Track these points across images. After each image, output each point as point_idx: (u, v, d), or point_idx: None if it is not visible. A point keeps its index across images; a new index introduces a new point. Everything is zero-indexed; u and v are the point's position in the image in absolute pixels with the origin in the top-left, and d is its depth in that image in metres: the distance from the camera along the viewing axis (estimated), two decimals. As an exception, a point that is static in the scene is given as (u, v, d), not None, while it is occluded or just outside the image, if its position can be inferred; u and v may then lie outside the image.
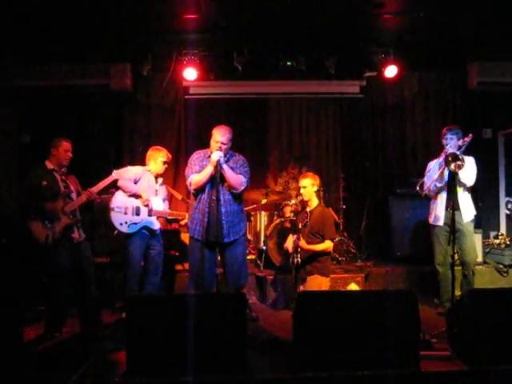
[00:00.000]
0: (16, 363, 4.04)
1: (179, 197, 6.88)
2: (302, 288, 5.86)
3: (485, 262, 7.16)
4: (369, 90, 8.79)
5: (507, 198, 8.02)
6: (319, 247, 5.85)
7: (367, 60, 8.06)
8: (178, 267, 7.02)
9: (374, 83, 8.68)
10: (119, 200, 5.96)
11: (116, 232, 6.06)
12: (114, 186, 5.95)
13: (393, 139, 8.87)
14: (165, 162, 6.18)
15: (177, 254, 7.23)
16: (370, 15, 6.73)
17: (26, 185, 5.31)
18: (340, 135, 8.75)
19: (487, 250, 7.34)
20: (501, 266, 7.04)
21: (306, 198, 6.04)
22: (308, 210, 6.05)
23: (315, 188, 6.05)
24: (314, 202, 6.09)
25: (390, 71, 7.92)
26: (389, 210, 7.94)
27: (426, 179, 6.02)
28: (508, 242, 7.29)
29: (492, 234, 7.69)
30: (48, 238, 5.12)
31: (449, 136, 5.86)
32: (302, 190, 6.02)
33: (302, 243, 5.75)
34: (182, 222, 6.18)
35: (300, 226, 5.90)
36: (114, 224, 5.92)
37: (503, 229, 8.10)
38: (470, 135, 5.67)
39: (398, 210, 7.85)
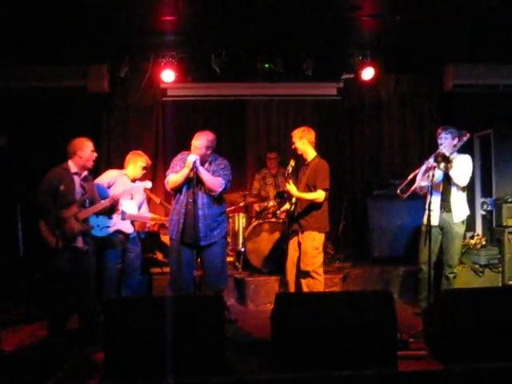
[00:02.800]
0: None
1: (157, 200, 6.87)
2: (294, 240, 5.85)
3: (461, 262, 7.21)
4: (346, 92, 8.82)
5: (482, 199, 8.10)
6: (309, 196, 5.69)
7: (344, 62, 8.10)
8: (157, 270, 6.99)
9: (351, 85, 8.72)
10: None
11: None
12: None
13: (370, 141, 8.91)
14: (144, 168, 6.17)
15: (155, 256, 7.21)
16: (347, 18, 6.76)
17: (44, 186, 5.13)
18: (317, 137, 8.76)
19: (463, 250, 7.39)
20: (477, 266, 7.11)
21: (298, 153, 5.91)
22: (306, 163, 5.93)
23: (304, 141, 5.85)
24: (310, 155, 5.89)
25: (367, 73, 7.95)
26: (366, 211, 7.99)
27: (418, 176, 6.01)
28: (484, 243, 7.36)
29: (468, 234, 7.76)
30: (58, 243, 4.96)
31: (443, 135, 5.87)
32: (293, 146, 5.89)
33: (291, 188, 5.66)
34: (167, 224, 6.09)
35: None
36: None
37: (479, 229, 8.18)
38: (468, 135, 5.70)
39: (376, 212, 7.90)
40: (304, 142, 5.85)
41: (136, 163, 6.11)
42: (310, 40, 7.46)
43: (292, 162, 5.81)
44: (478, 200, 8.26)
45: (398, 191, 6.02)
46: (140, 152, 6.27)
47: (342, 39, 7.57)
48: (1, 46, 6.93)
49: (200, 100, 8.64)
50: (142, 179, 6.21)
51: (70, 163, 5.26)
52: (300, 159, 6.02)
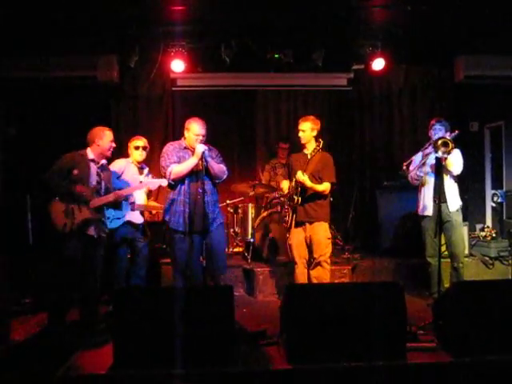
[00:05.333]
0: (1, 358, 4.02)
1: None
2: (299, 232, 5.81)
3: (471, 255, 7.21)
4: (356, 83, 8.79)
5: (493, 191, 8.07)
6: (320, 187, 5.68)
7: (355, 53, 8.06)
8: (165, 260, 7.00)
9: (361, 76, 8.68)
10: None
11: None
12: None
13: (380, 132, 8.90)
14: (137, 147, 6.07)
15: (163, 246, 7.21)
16: (358, 8, 6.73)
17: (55, 167, 5.08)
18: (327, 128, 8.74)
19: (473, 242, 7.38)
20: (487, 259, 7.09)
21: (303, 141, 5.85)
22: (306, 152, 5.87)
23: (314, 133, 5.82)
24: (312, 146, 5.80)
25: (378, 64, 7.93)
26: (376, 202, 7.97)
27: (411, 167, 6.03)
28: (494, 235, 7.34)
29: (478, 226, 7.74)
30: (66, 226, 4.93)
31: (437, 127, 5.89)
32: (300, 134, 5.83)
33: (305, 179, 5.58)
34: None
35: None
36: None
37: (489, 221, 8.16)
38: (457, 132, 5.68)
39: (385, 203, 7.88)
40: (314, 133, 5.83)
41: (130, 148, 6.09)
42: (321, 30, 7.42)
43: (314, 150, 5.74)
44: (489, 192, 8.24)
45: (404, 167, 6.03)
46: (135, 136, 6.23)
47: (353, 30, 7.54)
48: (11, 36, 6.94)
49: (209, 90, 8.62)
50: (145, 162, 6.23)
51: (88, 150, 5.27)
52: (295, 148, 5.98)
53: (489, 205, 8.21)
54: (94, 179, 5.21)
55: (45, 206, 5.04)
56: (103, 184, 5.29)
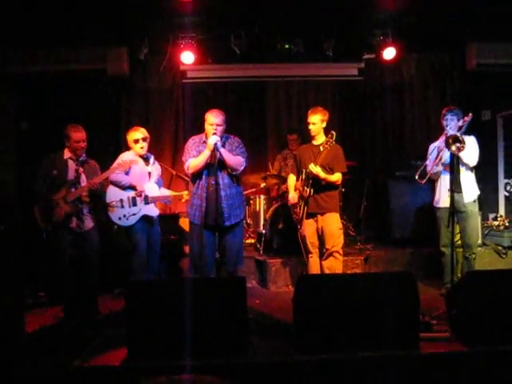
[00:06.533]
0: (17, 350, 4.05)
1: (173, 172, 6.87)
2: (310, 224, 5.82)
3: (484, 244, 7.16)
4: (367, 73, 8.73)
5: (506, 180, 8.02)
6: (333, 177, 5.69)
7: (365, 42, 8.04)
8: (178, 252, 7.02)
9: (372, 65, 8.64)
10: (112, 194, 5.80)
11: (116, 227, 6.01)
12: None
13: (391, 121, 8.86)
14: (136, 141, 5.90)
15: (175, 239, 7.22)
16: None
17: (39, 173, 5.43)
18: (338, 118, 8.71)
19: (486, 231, 7.34)
20: (500, 248, 7.04)
21: (313, 134, 5.85)
22: (315, 143, 5.88)
23: (324, 124, 5.83)
24: (321, 138, 5.83)
25: (389, 53, 7.88)
26: (388, 192, 7.93)
27: (427, 162, 5.99)
28: (507, 224, 7.30)
29: (491, 215, 7.69)
30: (48, 225, 5.22)
31: (449, 117, 5.82)
32: (310, 126, 5.82)
33: (318, 171, 5.57)
34: (183, 200, 6.01)
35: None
36: (112, 220, 5.78)
37: (502, 211, 8.11)
38: (470, 115, 5.64)
39: (398, 193, 7.84)
40: (323, 124, 5.83)
41: (130, 143, 5.96)
42: (331, 20, 7.39)
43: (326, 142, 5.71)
44: (501, 181, 8.18)
45: (417, 177, 5.96)
46: (133, 128, 6.08)
47: (363, 19, 7.49)
48: (21, 29, 6.96)
49: (220, 82, 8.62)
50: (154, 154, 6.23)
51: (66, 149, 5.56)
52: (305, 138, 5.95)
53: (502, 194, 8.15)
54: (72, 175, 5.47)
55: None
56: (83, 178, 5.51)
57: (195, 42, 7.62)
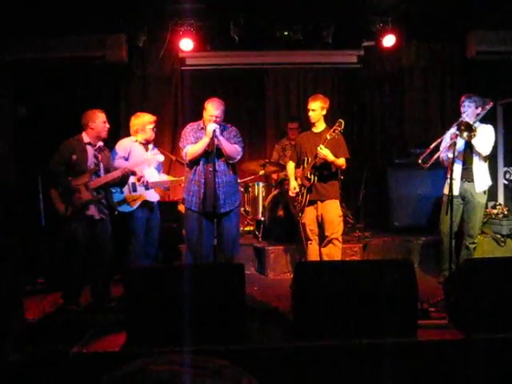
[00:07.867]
0: (16, 336, 4.06)
1: (173, 158, 6.86)
2: (311, 211, 5.83)
3: (483, 232, 7.15)
4: (366, 60, 8.72)
5: (505, 168, 8.01)
6: (340, 161, 5.68)
7: (365, 29, 7.99)
8: (177, 238, 7.02)
9: (371, 53, 8.60)
10: None
11: (116, 213, 6.01)
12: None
13: (391, 109, 8.83)
14: (150, 123, 5.93)
15: (174, 225, 7.22)
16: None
17: (56, 156, 5.23)
18: (338, 105, 8.69)
19: (485, 219, 7.33)
20: (498, 236, 7.04)
21: (313, 121, 5.86)
22: (315, 130, 5.89)
23: (324, 112, 5.84)
24: (322, 125, 5.87)
25: (388, 40, 7.85)
26: (387, 180, 7.92)
27: (441, 148, 5.94)
28: (506, 212, 7.30)
29: (490, 204, 7.69)
30: (67, 209, 5.07)
31: (467, 103, 5.77)
32: (310, 113, 5.82)
33: (327, 153, 5.54)
34: (183, 184, 5.89)
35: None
36: (113, 205, 5.76)
37: (501, 199, 8.10)
38: (491, 103, 5.62)
39: (396, 181, 7.83)
40: (323, 111, 5.82)
41: (144, 128, 5.90)
42: (330, 6, 7.35)
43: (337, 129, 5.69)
44: (501, 169, 8.16)
45: (420, 161, 5.93)
46: (139, 113, 6.05)
47: (363, 5, 7.45)
48: (19, 17, 6.92)
49: (219, 69, 8.59)
50: (154, 140, 6.15)
51: (84, 134, 5.35)
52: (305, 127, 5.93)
53: (501, 182, 8.14)
54: (91, 162, 5.32)
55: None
56: (102, 166, 5.39)
57: (194, 28, 7.59)
